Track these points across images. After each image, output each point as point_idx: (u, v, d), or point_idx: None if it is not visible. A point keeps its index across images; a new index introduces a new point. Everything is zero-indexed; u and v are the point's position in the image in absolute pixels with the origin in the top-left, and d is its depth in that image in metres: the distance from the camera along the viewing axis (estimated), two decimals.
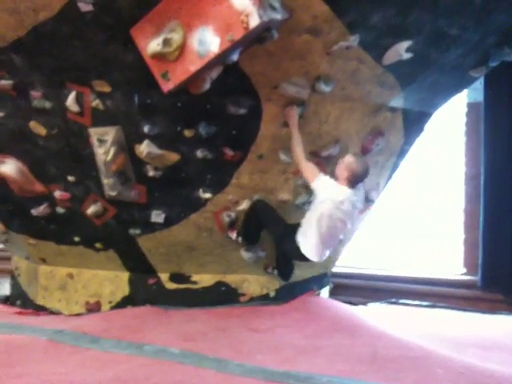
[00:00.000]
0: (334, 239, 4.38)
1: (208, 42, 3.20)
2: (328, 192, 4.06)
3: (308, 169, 4.09)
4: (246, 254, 4.85)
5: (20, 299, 5.60)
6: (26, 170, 4.59)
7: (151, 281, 5.03)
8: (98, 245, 4.95)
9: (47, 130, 4.25)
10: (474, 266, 6.04)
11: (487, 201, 5.84)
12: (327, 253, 4.44)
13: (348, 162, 4.04)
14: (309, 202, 4.46)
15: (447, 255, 6.51)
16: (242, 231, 4.69)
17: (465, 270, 6.21)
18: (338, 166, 4.12)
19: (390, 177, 5.23)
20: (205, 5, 3.15)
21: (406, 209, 6.88)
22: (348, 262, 6.65)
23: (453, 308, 5.67)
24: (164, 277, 5.03)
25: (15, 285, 5.77)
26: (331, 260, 5.51)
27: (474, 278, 6.00)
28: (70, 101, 3.99)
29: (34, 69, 3.88)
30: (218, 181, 4.45)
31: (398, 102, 4.37)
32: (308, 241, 4.28)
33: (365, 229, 5.86)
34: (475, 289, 5.98)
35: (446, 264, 6.44)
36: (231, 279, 5.05)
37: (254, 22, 3.03)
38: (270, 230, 4.65)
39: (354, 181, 4.07)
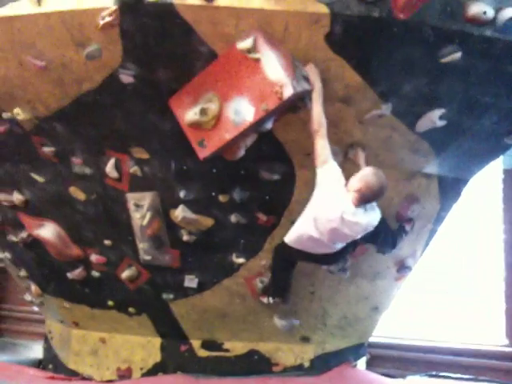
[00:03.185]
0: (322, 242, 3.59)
1: (243, 111, 3.29)
2: (333, 188, 3.39)
3: (318, 147, 3.38)
4: (279, 322, 4.75)
5: (52, 363, 5.58)
6: (64, 233, 4.68)
7: (183, 347, 4.96)
8: (131, 309, 4.94)
9: (86, 195, 4.37)
10: None
11: None
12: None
13: (365, 172, 3.43)
14: (343, 269, 4.40)
15: (488, 326, 6.26)
16: (270, 286, 4.40)
17: (507, 341, 5.94)
18: (354, 176, 3.47)
19: (427, 244, 5.12)
20: (240, 77, 3.27)
21: (446, 277, 6.71)
22: (386, 332, 6.44)
23: (496, 382, 5.44)
24: (196, 343, 4.95)
25: (48, 348, 5.77)
26: (368, 329, 5.36)
27: None
28: (110, 167, 4.12)
29: (75, 137, 4.04)
30: (252, 246, 4.44)
31: (432, 168, 4.35)
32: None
33: (402, 297, 5.71)
34: None
35: (488, 335, 6.18)
36: (264, 348, 4.94)
37: (288, 92, 3.12)
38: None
39: (365, 196, 3.39)
